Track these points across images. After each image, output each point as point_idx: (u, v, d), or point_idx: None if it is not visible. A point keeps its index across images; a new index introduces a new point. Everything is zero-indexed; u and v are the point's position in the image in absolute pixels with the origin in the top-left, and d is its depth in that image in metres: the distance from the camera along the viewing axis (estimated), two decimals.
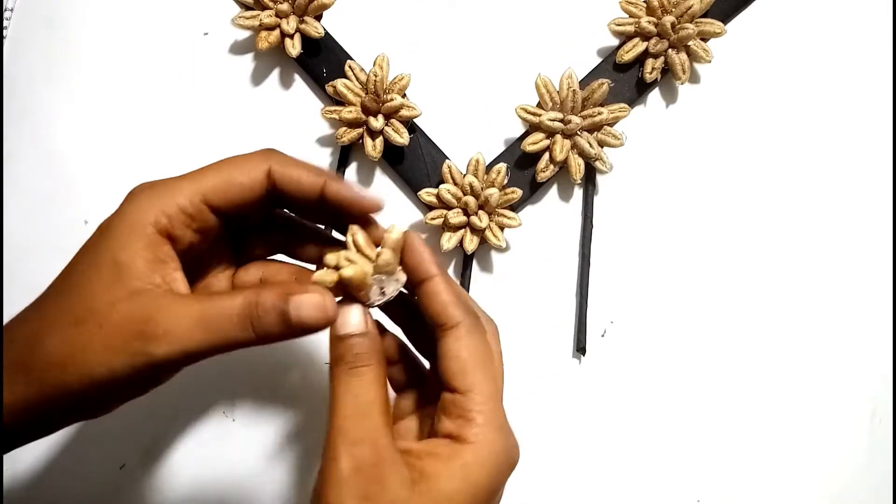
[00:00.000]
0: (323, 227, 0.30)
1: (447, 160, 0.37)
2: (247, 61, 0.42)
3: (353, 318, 0.25)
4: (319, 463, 0.24)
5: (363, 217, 0.26)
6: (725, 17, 0.39)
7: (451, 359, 0.24)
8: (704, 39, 0.37)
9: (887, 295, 0.37)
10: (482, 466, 0.23)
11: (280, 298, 0.23)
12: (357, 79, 0.38)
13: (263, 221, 0.28)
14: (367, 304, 0.26)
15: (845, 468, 0.36)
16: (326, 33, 0.39)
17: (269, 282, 0.27)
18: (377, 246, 0.26)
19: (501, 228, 0.37)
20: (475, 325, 0.25)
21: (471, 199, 0.36)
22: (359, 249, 0.25)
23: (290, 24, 0.38)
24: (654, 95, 0.40)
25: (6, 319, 0.32)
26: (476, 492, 0.23)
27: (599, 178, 0.39)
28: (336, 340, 0.25)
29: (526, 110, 0.37)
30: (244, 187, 0.25)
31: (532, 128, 0.37)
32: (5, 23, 0.43)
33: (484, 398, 0.24)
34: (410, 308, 0.28)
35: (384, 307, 0.27)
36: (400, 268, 0.26)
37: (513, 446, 0.25)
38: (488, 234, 0.36)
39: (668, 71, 0.38)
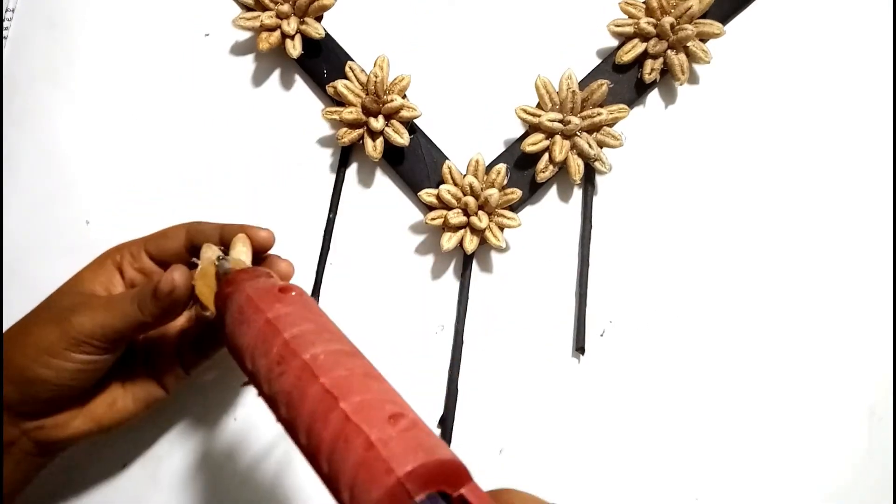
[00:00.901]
0: None
1: (447, 161, 0.38)
2: (247, 62, 0.42)
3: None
4: None
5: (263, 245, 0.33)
6: (724, 18, 0.39)
7: None
8: (703, 40, 0.38)
9: (886, 294, 0.37)
10: None
11: (151, 284, 0.30)
12: (357, 80, 0.38)
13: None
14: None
15: (844, 467, 0.36)
16: (327, 34, 0.39)
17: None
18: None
19: (501, 229, 0.37)
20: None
21: (471, 200, 0.36)
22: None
23: (290, 25, 0.38)
24: (654, 96, 0.40)
25: (5, 322, 0.32)
26: None
27: (599, 179, 0.39)
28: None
29: (525, 111, 0.37)
30: (167, 237, 0.34)
31: (532, 128, 0.37)
32: (6, 23, 0.43)
33: None
34: None
35: None
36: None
37: None
38: (488, 234, 0.36)
39: (667, 72, 0.38)
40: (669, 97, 0.40)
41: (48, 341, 0.29)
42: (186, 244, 0.33)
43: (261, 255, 0.33)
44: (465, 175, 0.37)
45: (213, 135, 0.41)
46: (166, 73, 0.42)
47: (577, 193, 0.39)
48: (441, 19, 0.41)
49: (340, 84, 0.37)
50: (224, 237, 0.32)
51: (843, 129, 0.39)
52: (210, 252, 0.31)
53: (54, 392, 0.30)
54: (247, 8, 0.40)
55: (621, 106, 0.37)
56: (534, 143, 0.37)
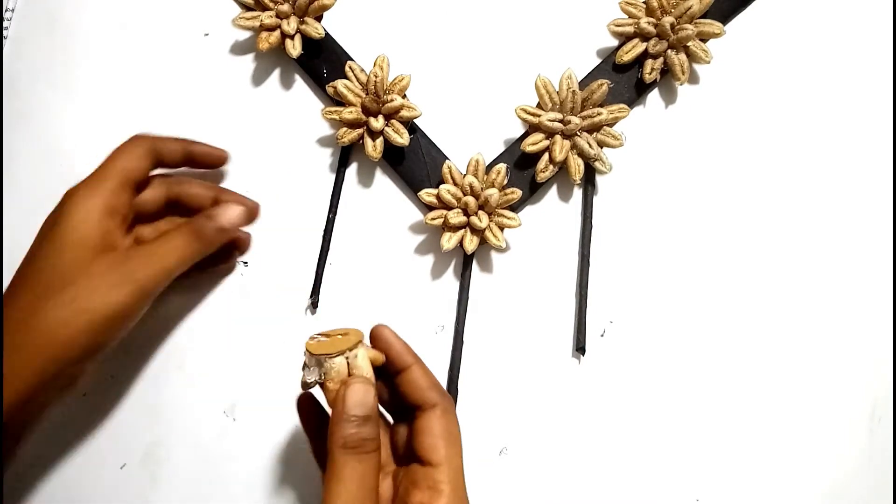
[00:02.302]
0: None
1: (447, 160, 0.38)
2: (247, 62, 0.42)
3: (366, 398, 0.27)
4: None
5: (218, 161, 0.37)
6: (724, 18, 0.39)
7: (427, 435, 0.28)
8: (704, 40, 0.38)
9: (887, 294, 0.37)
10: None
11: (212, 213, 0.33)
12: (357, 79, 0.38)
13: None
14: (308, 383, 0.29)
15: (844, 467, 0.36)
16: (327, 34, 0.39)
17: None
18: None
19: (501, 228, 0.37)
20: (449, 407, 0.29)
21: (471, 200, 0.36)
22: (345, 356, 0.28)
23: (290, 25, 0.38)
24: (654, 96, 0.40)
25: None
26: None
27: (599, 179, 0.39)
28: (343, 421, 0.27)
29: (526, 111, 0.37)
30: (140, 169, 0.33)
31: (532, 128, 0.37)
32: (6, 23, 0.43)
33: (453, 472, 0.27)
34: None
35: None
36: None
37: None
38: (488, 234, 0.36)
39: (667, 71, 0.38)
40: (669, 97, 0.40)
41: (120, 304, 0.30)
42: (148, 168, 0.34)
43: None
44: (465, 175, 0.37)
45: (213, 135, 0.41)
46: (166, 73, 0.42)
47: (578, 193, 0.39)
48: (441, 19, 0.41)
49: (340, 84, 0.37)
50: (189, 153, 0.35)
51: (843, 129, 0.39)
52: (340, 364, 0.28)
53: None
54: (246, 7, 0.40)
55: (621, 106, 0.37)
56: (534, 142, 0.37)
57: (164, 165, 0.35)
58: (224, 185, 0.40)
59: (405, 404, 0.30)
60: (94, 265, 0.30)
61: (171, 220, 0.37)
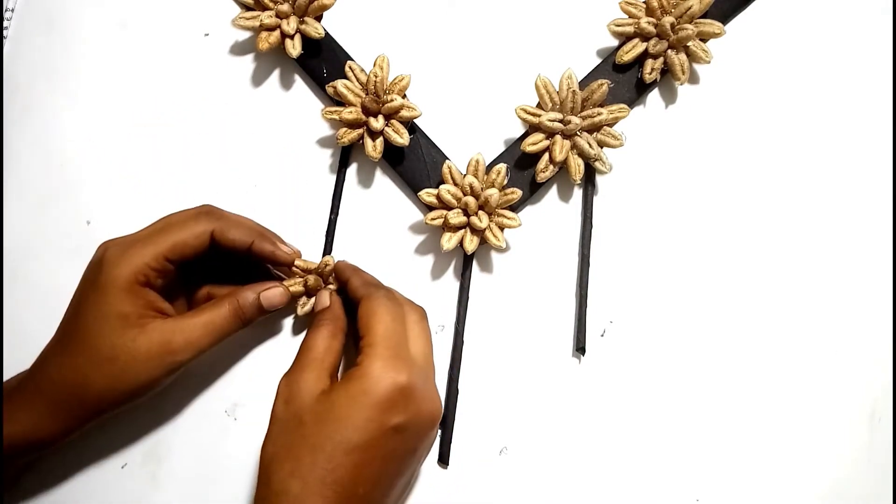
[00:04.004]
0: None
1: (447, 160, 0.38)
2: (247, 62, 0.42)
3: (323, 300, 0.36)
4: None
5: (284, 262, 0.36)
6: (725, 18, 0.39)
7: (358, 317, 0.33)
8: (704, 40, 0.38)
9: (887, 294, 0.37)
10: (361, 381, 0.30)
11: (255, 293, 0.35)
12: (357, 79, 0.38)
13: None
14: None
15: (844, 467, 0.36)
16: (327, 34, 0.39)
17: (230, 291, 0.36)
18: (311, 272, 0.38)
19: (501, 229, 0.37)
20: (372, 296, 0.33)
21: (471, 200, 0.36)
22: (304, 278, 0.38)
23: (290, 25, 0.38)
24: (654, 96, 0.40)
25: (6, 322, 0.32)
26: (353, 401, 0.29)
27: (599, 179, 0.39)
28: (315, 313, 0.35)
29: (526, 111, 0.37)
30: (194, 248, 0.34)
31: (532, 128, 0.37)
32: (6, 23, 0.43)
33: (374, 338, 0.31)
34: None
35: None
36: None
37: (400, 378, 0.30)
38: (488, 234, 0.36)
39: (667, 71, 0.38)
40: (670, 97, 0.40)
41: (149, 376, 0.33)
42: (211, 243, 0.34)
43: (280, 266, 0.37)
44: (465, 175, 0.37)
45: (213, 135, 0.41)
46: (166, 73, 0.42)
47: (578, 193, 0.39)
48: (441, 19, 0.41)
49: (340, 84, 0.37)
50: (254, 249, 0.35)
51: (843, 129, 0.39)
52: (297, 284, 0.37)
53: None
54: (246, 7, 0.39)
55: (621, 106, 0.37)
56: (534, 142, 0.37)
57: (223, 249, 0.35)
58: (224, 185, 0.41)
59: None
60: (136, 343, 0.32)
61: (211, 289, 0.37)
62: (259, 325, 0.39)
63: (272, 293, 0.35)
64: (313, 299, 0.37)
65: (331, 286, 0.37)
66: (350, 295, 0.35)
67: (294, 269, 0.37)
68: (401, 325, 0.32)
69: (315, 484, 0.28)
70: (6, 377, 0.35)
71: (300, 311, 0.37)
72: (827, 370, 0.37)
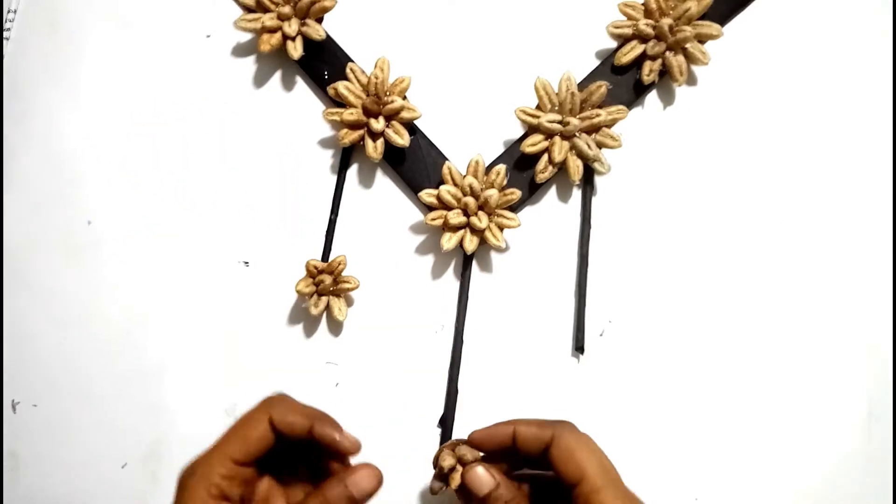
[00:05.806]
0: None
1: (447, 161, 0.38)
2: (249, 63, 0.42)
3: (483, 477, 0.30)
4: None
5: (347, 453, 0.31)
6: (722, 20, 0.39)
7: (560, 461, 0.29)
8: (702, 42, 0.38)
9: (886, 294, 0.38)
10: None
11: (341, 484, 0.30)
12: (358, 81, 0.38)
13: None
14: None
15: (843, 467, 0.36)
16: (328, 36, 0.39)
17: (310, 493, 0.32)
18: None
19: (501, 229, 0.37)
20: (568, 428, 0.30)
21: (470, 200, 0.36)
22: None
23: (291, 27, 0.38)
24: (652, 97, 0.40)
25: (6, 322, 0.32)
26: None
27: (598, 179, 0.39)
28: (482, 501, 0.30)
29: (525, 112, 0.37)
30: (257, 440, 0.31)
31: (531, 129, 0.37)
32: (8, 24, 0.43)
33: (595, 481, 0.28)
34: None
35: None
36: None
37: None
38: (488, 234, 0.36)
39: (665, 73, 0.38)
40: (668, 98, 0.40)
41: None
42: (273, 431, 0.32)
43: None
44: (464, 176, 0.37)
45: (215, 136, 0.41)
46: (168, 75, 0.42)
47: (577, 194, 0.39)
48: (441, 21, 0.41)
49: (341, 85, 0.37)
50: (314, 434, 0.31)
51: (842, 130, 0.39)
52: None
53: None
54: (248, 10, 0.40)
55: (620, 107, 0.37)
56: (533, 143, 0.37)
57: (286, 438, 0.32)
58: (225, 185, 0.41)
59: (541, 466, 0.31)
60: None
61: (270, 482, 0.34)
62: (259, 325, 0.39)
63: (360, 477, 0.30)
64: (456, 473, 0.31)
65: (474, 460, 0.31)
66: (526, 447, 0.31)
67: (307, 268, 0.34)
68: (600, 453, 0.30)
69: None
70: (6, 377, 0.35)
71: (453, 485, 0.32)
72: (825, 370, 0.37)
